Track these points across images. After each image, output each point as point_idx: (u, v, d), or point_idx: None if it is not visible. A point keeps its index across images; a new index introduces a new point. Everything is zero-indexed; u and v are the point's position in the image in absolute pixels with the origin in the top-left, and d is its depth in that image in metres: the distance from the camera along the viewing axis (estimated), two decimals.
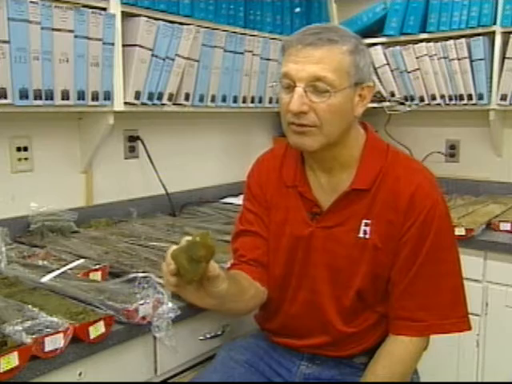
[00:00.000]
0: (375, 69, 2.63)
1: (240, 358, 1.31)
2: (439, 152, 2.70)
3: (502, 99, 2.30)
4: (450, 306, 1.19)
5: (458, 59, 2.36)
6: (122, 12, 1.71)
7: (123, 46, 1.73)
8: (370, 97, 1.18)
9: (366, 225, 1.20)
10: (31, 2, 1.43)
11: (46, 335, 1.03)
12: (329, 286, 1.25)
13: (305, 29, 1.15)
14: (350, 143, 1.21)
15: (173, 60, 1.85)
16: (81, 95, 1.61)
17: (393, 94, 2.61)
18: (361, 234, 1.20)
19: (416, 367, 1.34)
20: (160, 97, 1.86)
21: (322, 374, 1.29)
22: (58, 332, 1.04)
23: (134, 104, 1.80)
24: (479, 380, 2.01)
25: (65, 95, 1.57)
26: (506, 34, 2.26)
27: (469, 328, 1.21)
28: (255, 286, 1.27)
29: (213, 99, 2.07)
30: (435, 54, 2.41)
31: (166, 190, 2.11)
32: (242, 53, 2.12)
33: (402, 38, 2.55)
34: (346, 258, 1.22)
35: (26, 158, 1.77)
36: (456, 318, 1.20)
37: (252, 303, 1.28)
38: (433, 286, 1.18)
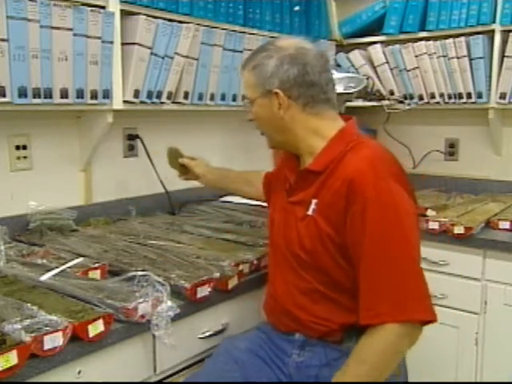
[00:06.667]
0: (374, 67, 2.63)
1: (242, 345, 1.39)
2: (438, 150, 2.70)
3: (501, 98, 2.31)
4: (397, 296, 1.17)
5: (458, 58, 2.36)
6: (121, 10, 1.71)
7: (122, 44, 1.73)
8: (287, 100, 1.30)
9: (316, 204, 1.30)
10: (30, 0, 1.43)
11: (45, 333, 1.03)
12: (286, 261, 1.36)
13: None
14: (305, 137, 1.34)
15: (172, 58, 1.85)
16: (80, 94, 1.61)
17: (392, 93, 2.61)
18: (309, 212, 1.30)
19: (404, 362, 1.35)
20: (159, 95, 1.86)
21: (312, 361, 1.32)
22: (57, 330, 1.04)
23: (133, 102, 1.80)
24: (478, 378, 2.01)
25: (64, 94, 1.57)
26: (505, 33, 2.27)
27: (429, 316, 1.18)
28: (252, 177, 1.76)
29: (212, 98, 2.07)
30: (434, 53, 2.41)
31: (165, 188, 2.10)
32: (241, 51, 2.12)
33: (402, 37, 2.56)
34: (295, 232, 1.34)
35: (24, 157, 1.77)
36: (404, 306, 1.17)
37: (247, 187, 1.77)
38: (379, 274, 1.18)
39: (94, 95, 1.65)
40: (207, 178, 1.83)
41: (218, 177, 1.83)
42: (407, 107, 2.57)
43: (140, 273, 1.29)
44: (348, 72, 2.56)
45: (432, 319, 1.19)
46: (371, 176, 1.21)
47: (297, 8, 2.40)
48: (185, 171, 1.84)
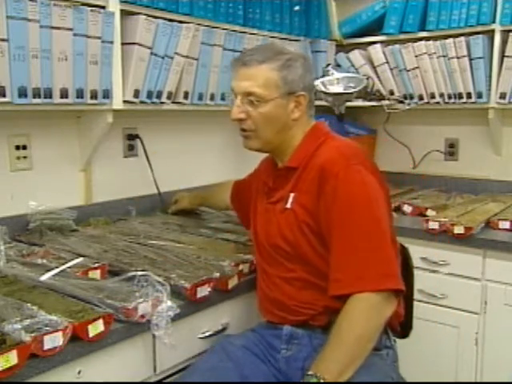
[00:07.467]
0: (374, 67, 2.63)
1: (238, 342, 1.41)
2: (438, 150, 2.70)
3: (500, 97, 2.31)
4: (364, 266, 1.23)
5: (457, 58, 2.36)
6: (121, 10, 1.71)
7: (122, 44, 1.73)
8: (306, 103, 1.38)
9: (293, 198, 1.37)
10: (30, 0, 1.43)
11: (45, 333, 1.03)
12: (269, 255, 1.42)
13: (245, 51, 1.43)
14: (298, 138, 1.40)
15: (172, 58, 1.85)
16: (80, 94, 1.61)
17: (392, 93, 2.61)
18: (288, 205, 1.37)
19: (386, 331, 1.39)
20: (159, 95, 1.86)
21: (299, 354, 1.37)
22: (57, 330, 1.04)
23: (132, 102, 1.80)
24: (478, 378, 2.01)
25: (64, 94, 1.57)
26: (505, 33, 2.27)
27: (397, 285, 1.24)
28: (223, 187, 1.87)
29: (212, 98, 2.07)
30: (434, 53, 2.41)
31: (158, 189, 2.10)
32: (240, 51, 2.11)
33: (402, 37, 2.56)
34: (276, 225, 1.39)
35: (24, 157, 1.77)
36: (370, 276, 1.22)
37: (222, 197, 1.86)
38: (347, 247, 1.25)
39: (93, 95, 1.65)
40: (193, 205, 2.08)
41: (200, 201, 2.06)
42: (407, 107, 2.57)
43: (140, 273, 1.29)
44: (348, 72, 2.56)
45: (401, 288, 1.25)
46: (340, 160, 1.31)
47: (297, 8, 2.39)
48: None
